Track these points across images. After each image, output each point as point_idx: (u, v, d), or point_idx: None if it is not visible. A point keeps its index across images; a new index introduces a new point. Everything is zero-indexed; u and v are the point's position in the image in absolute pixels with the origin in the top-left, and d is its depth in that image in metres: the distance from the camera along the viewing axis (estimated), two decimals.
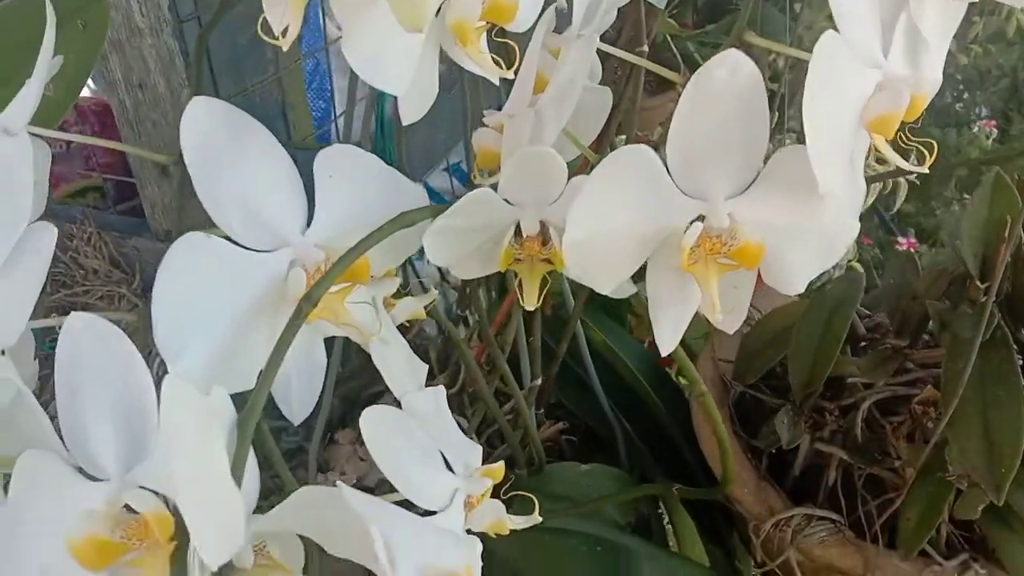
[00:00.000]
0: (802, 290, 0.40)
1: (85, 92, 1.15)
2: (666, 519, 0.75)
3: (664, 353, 0.40)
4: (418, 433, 0.38)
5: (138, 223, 0.86)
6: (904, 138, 0.40)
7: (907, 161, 0.39)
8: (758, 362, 0.67)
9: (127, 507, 0.32)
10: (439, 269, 0.80)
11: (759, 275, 0.40)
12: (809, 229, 0.39)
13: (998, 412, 0.52)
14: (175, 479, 0.29)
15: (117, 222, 0.88)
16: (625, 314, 0.84)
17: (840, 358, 0.60)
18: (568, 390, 0.76)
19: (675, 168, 0.37)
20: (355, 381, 0.97)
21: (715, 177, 0.37)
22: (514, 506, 0.42)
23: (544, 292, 0.42)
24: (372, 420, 0.35)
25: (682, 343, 0.82)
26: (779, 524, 0.59)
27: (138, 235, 0.86)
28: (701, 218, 0.37)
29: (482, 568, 0.34)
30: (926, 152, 0.40)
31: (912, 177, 1.39)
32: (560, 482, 0.65)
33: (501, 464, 0.40)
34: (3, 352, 0.36)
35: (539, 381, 0.61)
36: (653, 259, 0.39)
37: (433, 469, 0.37)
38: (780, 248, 0.38)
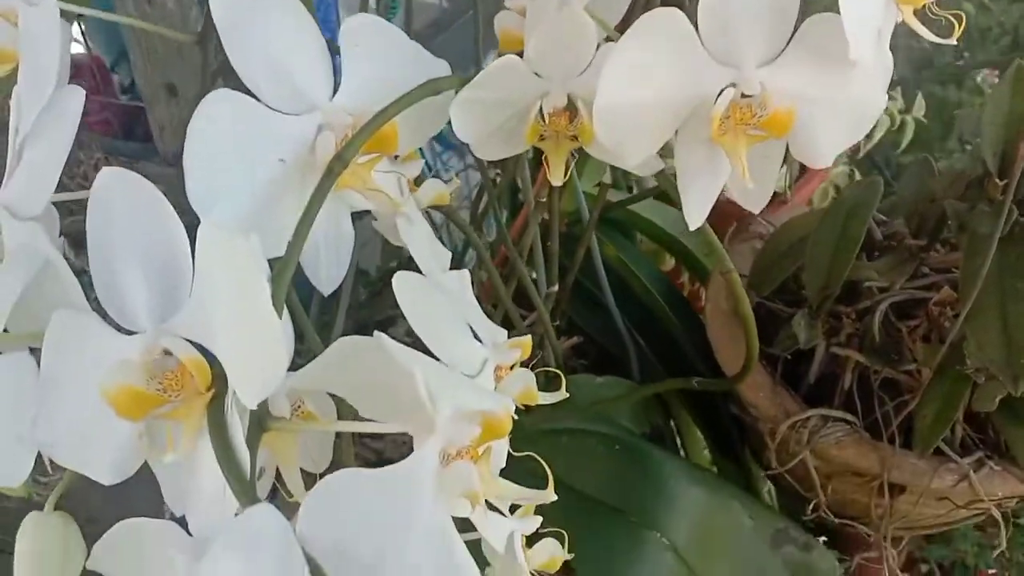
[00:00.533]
0: (830, 163, 0.40)
1: (81, 49, 1.13)
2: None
3: (693, 226, 0.40)
4: (448, 304, 0.38)
5: (146, 148, 0.86)
6: (931, 12, 0.40)
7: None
8: (774, 272, 0.67)
9: (162, 361, 0.32)
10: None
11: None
12: (838, 99, 0.38)
13: (1016, 305, 0.52)
14: (213, 317, 0.29)
15: (124, 147, 0.88)
16: (634, 236, 0.84)
17: (856, 263, 0.60)
18: (581, 308, 0.76)
19: (706, 34, 0.36)
20: (365, 311, 0.97)
21: (746, 44, 0.37)
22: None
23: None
24: (405, 281, 0.35)
25: (691, 259, 0.82)
26: (795, 426, 0.60)
27: (147, 160, 0.85)
28: (732, 86, 0.37)
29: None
30: (955, 23, 0.40)
31: (920, 115, 1.39)
32: (576, 392, 0.66)
33: (528, 337, 0.40)
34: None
35: (555, 288, 0.61)
36: (683, 130, 0.39)
37: (464, 335, 0.37)
38: (809, 119, 0.38)
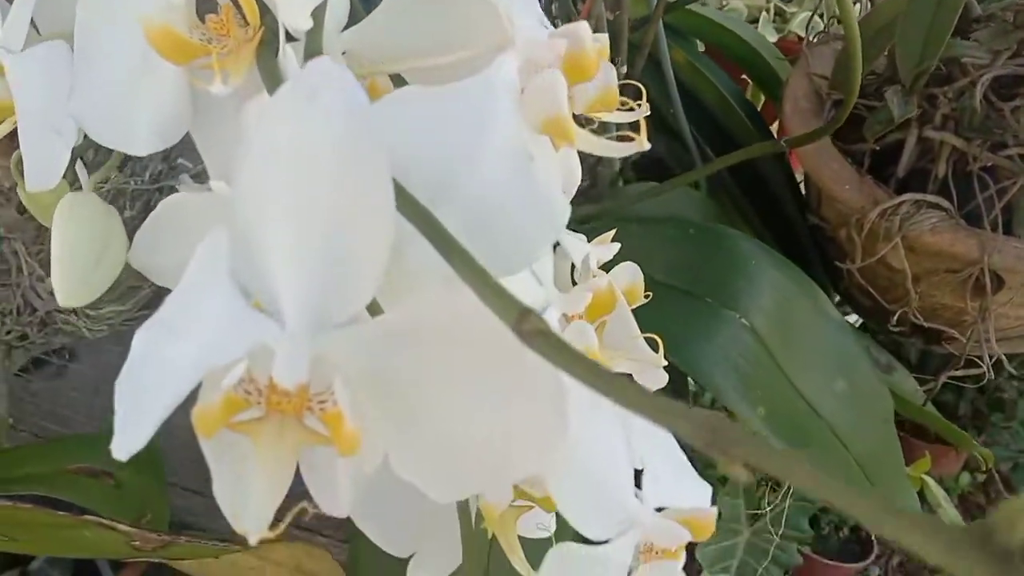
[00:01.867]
0: None
1: None
2: None
3: None
4: None
5: None
6: None
7: None
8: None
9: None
10: None
11: None
12: None
13: None
14: None
15: None
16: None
17: (952, 40, 0.55)
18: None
19: None
20: None
21: None
22: None
23: None
24: None
25: (760, 67, 0.76)
26: (885, 214, 0.55)
27: None
28: None
29: None
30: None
31: None
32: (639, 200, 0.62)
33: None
34: None
35: (625, 68, 0.57)
36: None
37: None
38: None
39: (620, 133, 0.31)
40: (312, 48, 0.28)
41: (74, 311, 0.71)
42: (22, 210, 0.70)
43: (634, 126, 0.30)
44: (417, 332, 0.22)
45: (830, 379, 0.53)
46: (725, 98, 0.69)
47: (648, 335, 0.35)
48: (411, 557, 0.32)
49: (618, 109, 0.33)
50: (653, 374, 0.35)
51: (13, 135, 0.68)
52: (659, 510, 0.28)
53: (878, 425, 0.55)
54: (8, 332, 0.70)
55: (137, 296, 0.71)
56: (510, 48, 0.25)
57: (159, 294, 0.78)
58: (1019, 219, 0.53)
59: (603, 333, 0.35)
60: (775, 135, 0.72)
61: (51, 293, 0.72)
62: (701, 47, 0.77)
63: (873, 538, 1.20)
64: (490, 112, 0.25)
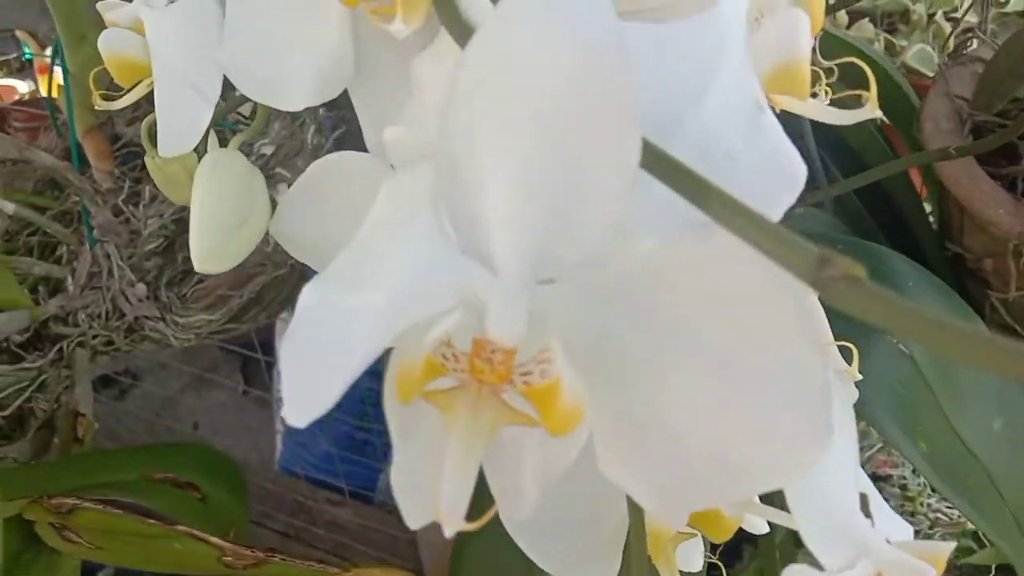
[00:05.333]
0: None
1: None
2: None
3: None
4: None
5: None
6: None
7: None
8: (1004, 86, 0.58)
9: None
10: None
11: None
12: None
13: None
14: None
15: None
16: None
17: None
18: None
19: None
20: None
21: None
22: None
23: None
24: None
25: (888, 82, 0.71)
26: None
27: None
28: None
29: None
30: None
31: None
32: None
33: None
34: None
35: None
36: None
37: None
38: None
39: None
40: None
41: (162, 318, 0.69)
42: (117, 212, 0.68)
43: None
44: (654, 287, 0.18)
45: (989, 418, 0.48)
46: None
47: (842, 343, 0.30)
48: None
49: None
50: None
51: (105, 136, 0.65)
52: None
53: None
54: (95, 337, 0.68)
55: (228, 305, 0.68)
56: None
57: (246, 307, 0.76)
58: None
59: None
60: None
61: (140, 299, 0.70)
62: None
63: None
64: (720, 49, 0.21)
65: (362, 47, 0.27)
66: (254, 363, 1.41)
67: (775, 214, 0.21)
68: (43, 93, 1.61)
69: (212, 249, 0.27)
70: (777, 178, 0.20)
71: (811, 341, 0.16)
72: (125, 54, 0.31)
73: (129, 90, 0.33)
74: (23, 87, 1.79)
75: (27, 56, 1.75)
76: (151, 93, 0.31)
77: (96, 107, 0.34)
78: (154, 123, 0.31)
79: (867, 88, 0.27)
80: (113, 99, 0.35)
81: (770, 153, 0.21)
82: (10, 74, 1.86)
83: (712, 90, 0.21)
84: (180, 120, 0.29)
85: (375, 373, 0.19)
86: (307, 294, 0.18)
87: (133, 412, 1.41)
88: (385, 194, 0.20)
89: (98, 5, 0.33)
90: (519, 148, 0.17)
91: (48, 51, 1.58)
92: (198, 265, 0.27)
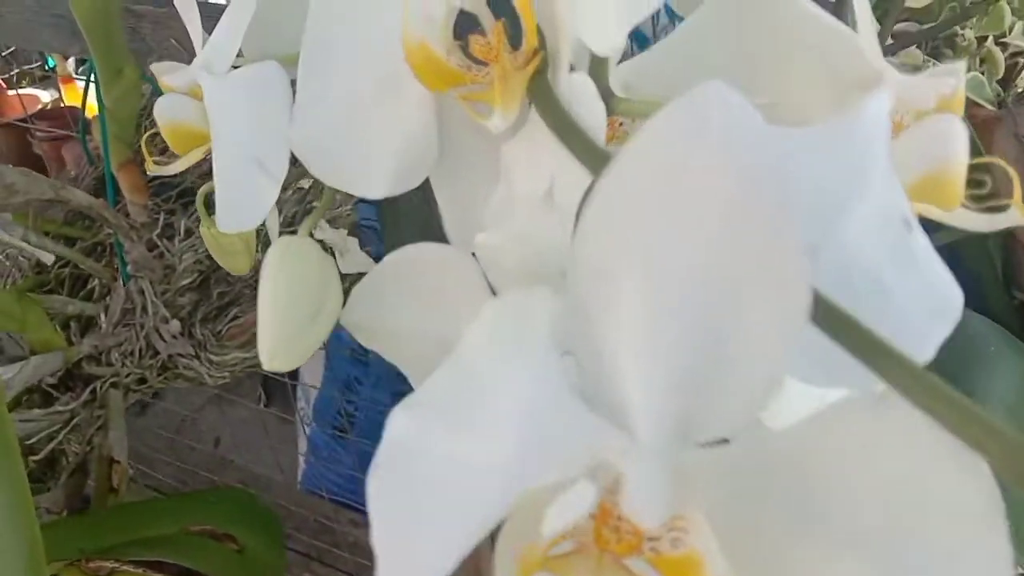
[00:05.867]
0: None
1: None
2: None
3: None
4: None
5: None
6: None
7: None
8: None
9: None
10: None
11: None
12: None
13: None
14: None
15: None
16: None
17: None
18: None
19: None
20: None
21: None
22: None
23: None
24: None
25: None
26: None
27: None
28: None
29: None
30: None
31: None
32: None
33: None
34: None
35: None
36: None
37: None
38: None
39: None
40: (598, 77, 0.23)
41: (196, 356, 0.67)
42: (151, 247, 0.67)
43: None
44: (811, 459, 0.16)
45: None
46: None
47: None
48: None
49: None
50: None
51: (140, 170, 0.64)
52: None
53: None
54: (127, 375, 0.66)
55: None
56: (881, 86, 0.20)
57: None
58: None
59: None
60: None
61: (175, 336, 0.68)
62: None
63: None
64: (862, 159, 0.19)
65: (445, 130, 0.25)
66: (275, 380, 1.40)
67: (927, 352, 0.19)
68: (66, 103, 1.60)
69: (285, 346, 0.25)
70: (933, 310, 0.18)
71: (1001, 540, 0.14)
72: (182, 122, 0.30)
73: (183, 156, 0.32)
74: (45, 96, 1.79)
75: (50, 65, 1.74)
76: None
77: (148, 172, 0.33)
78: (210, 192, 0.29)
79: None
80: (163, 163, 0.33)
81: (925, 283, 0.18)
82: (33, 83, 1.85)
83: (853, 209, 0.19)
84: (242, 196, 0.27)
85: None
86: (401, 422, 0.16)
87: (154, 429, 1.40)
88: (490, 315, 0.18)
89: (152, 67, 0.32)
90: (666, 285, 0.15)
91: (70, 61, 1.57)
92: (267, 363, 0.25)
